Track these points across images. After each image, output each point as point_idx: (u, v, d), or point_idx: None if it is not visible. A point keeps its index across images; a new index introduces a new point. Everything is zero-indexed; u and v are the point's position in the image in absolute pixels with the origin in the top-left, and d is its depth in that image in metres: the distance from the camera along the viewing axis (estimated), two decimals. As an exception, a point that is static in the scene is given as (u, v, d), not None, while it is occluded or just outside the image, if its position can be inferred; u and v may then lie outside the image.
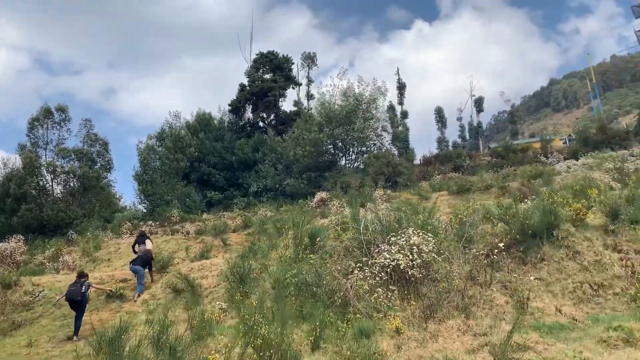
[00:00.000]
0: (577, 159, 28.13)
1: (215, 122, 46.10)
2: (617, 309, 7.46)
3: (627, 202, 9.17)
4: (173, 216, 25.97)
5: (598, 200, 9.31)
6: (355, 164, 38.90)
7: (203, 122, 44.60)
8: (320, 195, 24.35)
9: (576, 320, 7.10)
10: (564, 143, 48.66)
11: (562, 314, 7.33)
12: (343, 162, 38.74)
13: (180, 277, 11.55)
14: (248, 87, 48.21)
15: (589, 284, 8.05)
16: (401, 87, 54.07)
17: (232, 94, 51.99)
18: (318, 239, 9.54)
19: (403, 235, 8.28)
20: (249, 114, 49.63)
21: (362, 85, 38.20)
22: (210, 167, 40.03)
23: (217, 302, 9.21)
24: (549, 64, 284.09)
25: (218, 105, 68.41)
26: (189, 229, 21.47)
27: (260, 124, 48.78)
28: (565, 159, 31.45)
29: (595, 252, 8.56)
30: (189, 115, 46.34)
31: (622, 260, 8.26)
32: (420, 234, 8.28)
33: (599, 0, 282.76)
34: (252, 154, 40.72)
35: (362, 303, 7.54)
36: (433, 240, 8.28)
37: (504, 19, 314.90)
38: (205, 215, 27.35)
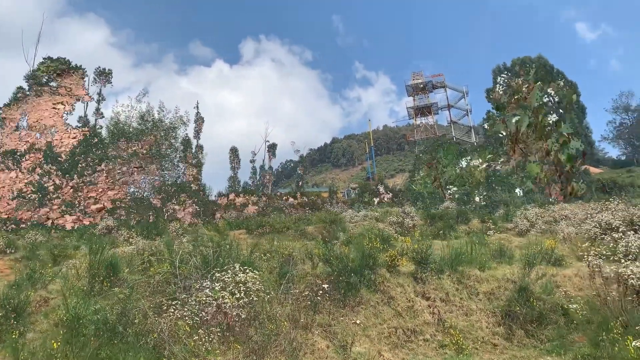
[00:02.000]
0: (358, 210, 30.96)
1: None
2: (428, 355, 7.77)
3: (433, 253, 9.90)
4: None
5: (411, 249, 9.85)
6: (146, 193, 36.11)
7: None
8: (107, 222, 21.66)
9: (398, 366, 7.11)
10: (343, 195, 53.22)
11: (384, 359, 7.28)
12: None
13: None
14: (28, 93, 41.39)
15: (403, 330, 8.29)
16: (199, 121, 52.88)
17: (5, 97, 43.96)
18: (127, 270, 7.99)
19: (229, 272, 7.39)
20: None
21: (163, 111, 36.21)
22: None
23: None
24: (333, 123, 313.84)
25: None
26: None
27: (38, 134, 42.15)
28: (349, 209, 34.35)
29: (407, 298, 8.94)
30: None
31: (430, 308, 8.76)
32: (248, 270, 7.51)
33: (379, 76, 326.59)
34: (23, 167, 34.51)
35: (178, 346, 6.35)
36: (261, 279, 7.59)
37: (299, 76, 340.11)
38: (-52, 233, 21.72)
